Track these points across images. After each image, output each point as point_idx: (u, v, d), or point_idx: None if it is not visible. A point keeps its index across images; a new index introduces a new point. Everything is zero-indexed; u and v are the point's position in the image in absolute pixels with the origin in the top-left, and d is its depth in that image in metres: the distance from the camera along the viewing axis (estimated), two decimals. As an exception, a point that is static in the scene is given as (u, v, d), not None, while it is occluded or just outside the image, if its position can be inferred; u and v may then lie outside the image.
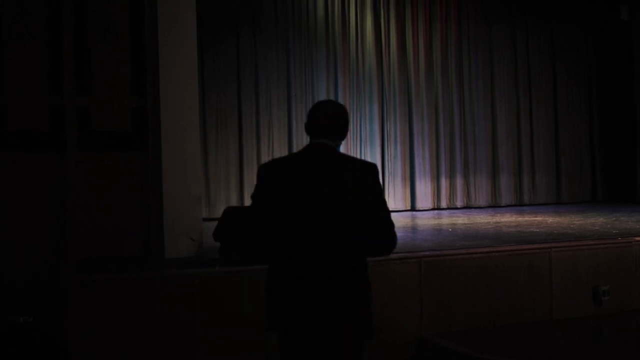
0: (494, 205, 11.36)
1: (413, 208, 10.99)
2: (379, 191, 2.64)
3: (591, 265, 5.30)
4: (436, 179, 11.18)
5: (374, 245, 2.62)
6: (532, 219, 8.45)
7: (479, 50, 11.56)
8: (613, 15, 11.93)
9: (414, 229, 7.89)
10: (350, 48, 10.75)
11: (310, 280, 2.56)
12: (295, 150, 10.19)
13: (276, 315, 2.63)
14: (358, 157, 10.58)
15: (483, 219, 8.67)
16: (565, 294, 5.19)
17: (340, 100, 10.57)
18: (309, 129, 2.74)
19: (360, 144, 10.74)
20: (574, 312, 5.20)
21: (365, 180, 2.60)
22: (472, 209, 10.98)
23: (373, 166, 2.67)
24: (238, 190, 9.94)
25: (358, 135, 10.74)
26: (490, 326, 4.93)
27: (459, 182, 11.32)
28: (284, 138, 10.27)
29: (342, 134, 2.73)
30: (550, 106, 12.01)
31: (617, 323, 5.22)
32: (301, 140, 10.34)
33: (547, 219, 8.36)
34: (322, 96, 10.49)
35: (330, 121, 2.71)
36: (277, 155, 10.11)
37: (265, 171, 2.68)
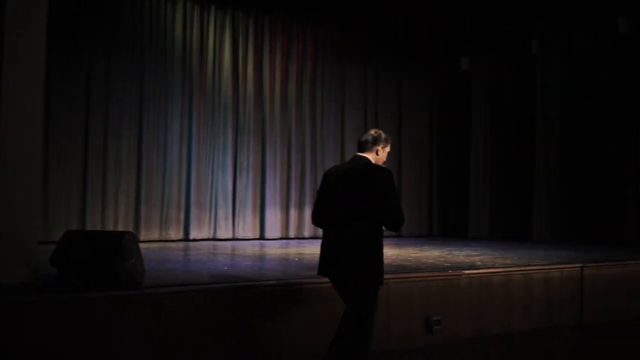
0: (340, 237, 11.71)
1: (262, 237, 11.09)
2: (391, 187, 3.94)
3: (424, 297, 5.65)
4: (286, 209, 11.40)
5: (388, 222, 3.96)
6: (374, 251, 8.80)
7: (332, 87, 12.05)
8: (454, 64, 12.98)
9: (261, 258, 7.96)
10: (207, 77, 10.75)
11: (338, 245, 4.01)
12: (142, 177, 10.00)
13: (320, 266, 4.13)
14: (209, 184, 10.58)
15: (329, 250, 8.90)
16: (401, 324, 5.47)
17: (194, 128, 10.54)
18: None
19: (212, 172, 10.70)
20: (408, 341, 5.50)
21: (380, 180, 3.93)
22: (319, 240, 11.21)
23: (387, 172, 4.00)
24: (80, 214, 9.48)
25: (210, 163, 10.69)
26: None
27: (308, 213, 11.60)
28: (132, 163, 9.96)
29: (369, 149, 4.09)
30: (395, 145, 12.73)
31: (446, 352, 5.60)
32: (152, 165, 10.12)
33: (387, 251, 8.68)
34: (175, 122, 10.38)
35: (360, 141, 4.16)
36: (124, 179, 9.84)
37: (325, 173, 4.21)
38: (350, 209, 3.94)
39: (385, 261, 7.17)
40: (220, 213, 10.75)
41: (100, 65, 9.68)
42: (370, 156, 4.10)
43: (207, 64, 10.78)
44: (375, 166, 4.07)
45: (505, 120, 12.38)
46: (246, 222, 10.98)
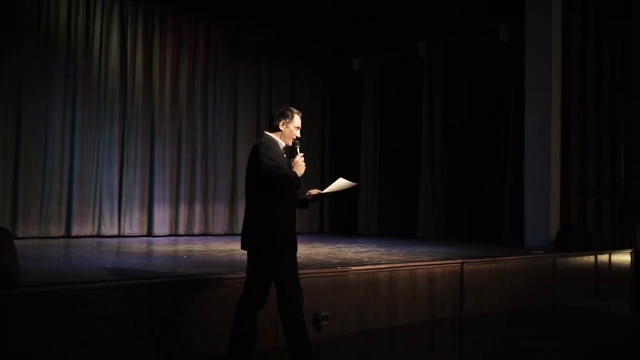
0: (231, 233, 11.66)
1: (150, 234, 10.79)
2: (261, 158, 4.09)
3: (313, 293, 5.69)
4: (175, 205, 11.15)
5: (266, 191, 4.11)
6: (264, 248, 8.80)
7: (224, 82, 11.91)
8: (347, 64, 13.22)
9: (149, 255, 7.75)
10: (93, 66, 10.31)
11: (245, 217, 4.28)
12: (20, 169, 9.46)
13: None
14: (93, 178, 10.16)
15: (219, 247, 8.83)
16: (290, 319, 5.49)
17: (78, 119, 10.09)
18: None
19: (97, 166, 10.27)
20: (297, 337, 5.52)
21: (258, 155, 4.12)
22: (209, 236, 11.14)
23: (262, 145, 4.17)
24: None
25: (95, 156, 10.26)
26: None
27: (198, 209, 11.42)
28: (9, 154, 9.38)
29: (273, 126, 4.30)
30: (288, 142, 12.76)
31: (334, 347, 5.69)
32: (30, 156, 9.59)
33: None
34: (57, 111, 9.88)
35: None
36: None
37: None
38: (246, 188, 4.27)
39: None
40: (105, 208, 10.34)
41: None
42: (275, 134, 4.28)
43: (93, 52, 10.34)
44: (258, 143, 4.23)
45: (393, 121, 12.76)
46: (133, 218, 10.64)
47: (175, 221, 11.15)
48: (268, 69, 12.56)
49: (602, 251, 9.33)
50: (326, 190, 4.41)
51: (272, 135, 4.28)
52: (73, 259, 7.06)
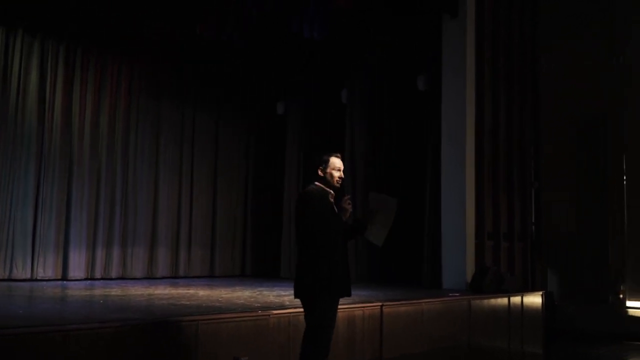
0: (150, 277, 11.42)
1: (65, 277, 10.42)
2: (302, 206, 4.44)
3: (234, 337, 5.66)
4: (92, 248, 10.84)
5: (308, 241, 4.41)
6: (184, 291, 8.69)
7: (147, 123, 11.80)
8: (271, 108, 13.39)
9: (63, 300, 7.48)
10: (10, 102, 10.04)
11: None
12: None
13: None
14: (6, 219, 9.79)
15: (137, 291, 8.63)
16: (209, 365, 5.43)
17: (-10, 156, 9.74)
18: None
19: (11, 206, 9.89)
20: (214, 382, 5.46)
21: (298, 203, 4.54)
22: (128, 280, 10.86)
23: (303, 193, 4.55)
24: None
25: (9, 195, 9.90)
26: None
27: (116, 252, 11.14)
28: None
29: (316, 174, 4.51)
30: (210, 185, 12.73)
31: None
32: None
33: (198, 291, 8.68)
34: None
35: None
36: None
37: None
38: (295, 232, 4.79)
39: (195, 302, 7.15)
40: (18, 251, 9.93)
41: None
42: (317, 182, 4.53)
43: (11, 89, 10.10)
44: (300, 195, 4.60)
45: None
46: (47, 262, 10.25)
47: (91, 264, 10.82)
48: (192, 111, 12.55)
49: (515, 293, 9.67)
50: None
51: (314, 185, 4.49)
52: (-19, 304, 6.74)
